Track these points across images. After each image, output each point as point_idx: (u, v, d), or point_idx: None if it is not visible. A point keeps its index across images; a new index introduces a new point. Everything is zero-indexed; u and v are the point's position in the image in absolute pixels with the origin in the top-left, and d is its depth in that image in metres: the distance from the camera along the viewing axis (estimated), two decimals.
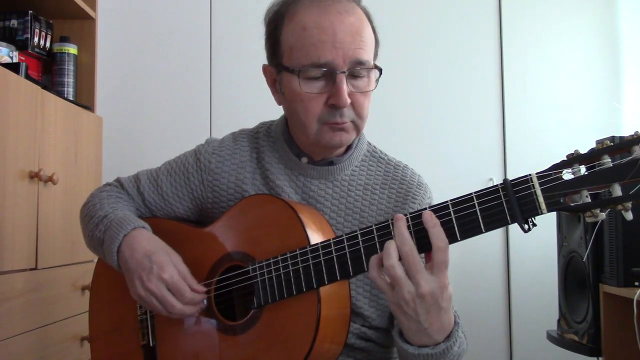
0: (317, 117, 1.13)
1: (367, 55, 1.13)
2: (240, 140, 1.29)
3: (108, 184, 1.36)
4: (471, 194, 0.94)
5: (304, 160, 1.23)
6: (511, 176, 0.93)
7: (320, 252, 1.02)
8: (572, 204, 0.89)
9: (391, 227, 0.97)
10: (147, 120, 2.56)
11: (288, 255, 1.05)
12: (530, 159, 2.51)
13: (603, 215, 0.88)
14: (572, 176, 0.89)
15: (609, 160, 0.87)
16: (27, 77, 1.89)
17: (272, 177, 1.24)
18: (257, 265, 1.08)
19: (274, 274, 1.06)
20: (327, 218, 1.17)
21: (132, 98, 2.57)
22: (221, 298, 1.15)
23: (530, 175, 0.91)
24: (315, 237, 1.05)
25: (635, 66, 2.54)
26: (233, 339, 1.10)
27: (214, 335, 1.13)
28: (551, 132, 2.53)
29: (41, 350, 1.81)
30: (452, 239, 0.95)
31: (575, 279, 2.06)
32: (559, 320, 2.15)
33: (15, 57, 2.04)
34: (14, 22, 2.13)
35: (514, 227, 0.97)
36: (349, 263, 1.01)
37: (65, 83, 2.32)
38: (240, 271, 1.12)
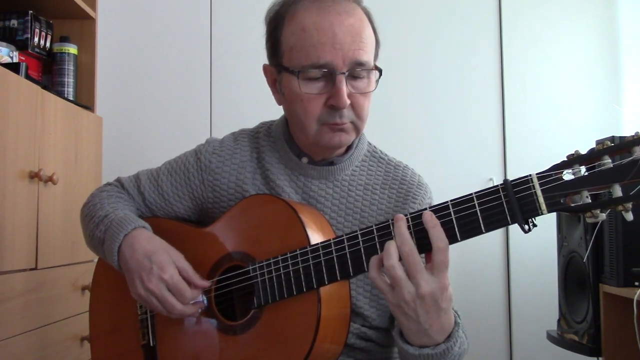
0: (316, 118, 1.13)
1: (367, 56, 1.12)
2: (241, 140, 1.29)
3: (108, 184, 1.36)
4: (471, 194, 0.94)
5: (304, 160, 1.23)
6: (511, 176, 0.93)
7: (321, 252, 1.02)
8: (572, 205, 0.89)
9: (391, 227, 0.97)
10: (147, 120, 2.56)
11: (288, 255, 1.05)
12: (530, 159, 2.51)
13: (603, 216, 0.88)
14: (572, 177, 0.89)
15: (609, 160, 0.87)
16: (27, 77, 1.89)
17: (273, 177, 1.23)
18: (257, 265, 1.09)
19: (274, 274, 1.06)
20: (328, 218, 1.17)
21: (132, 98, 2.57)
22: (221, 298, 1.15)
23: (530, 175, 0.91)
24: (316, 237, 1.05)
25: (635, 66, 2.54)
26: (233, 339, 1.10)
27: (214, 335, 1.13)
28: (551, 132, 2.53)
29: (41, 350, 1.81)
30: (452, 239, 0.95)
31: (575, 279, 2.06)
32: (559, 320, 2.15)
33: (15, 57, 2.04)
34: (14, 22, 2.12)
35: (514, 228, 0.97)
36: (349, 263, 1.01)
37: (65, 83, 2.32)
38: (241, 271, 1.12)
